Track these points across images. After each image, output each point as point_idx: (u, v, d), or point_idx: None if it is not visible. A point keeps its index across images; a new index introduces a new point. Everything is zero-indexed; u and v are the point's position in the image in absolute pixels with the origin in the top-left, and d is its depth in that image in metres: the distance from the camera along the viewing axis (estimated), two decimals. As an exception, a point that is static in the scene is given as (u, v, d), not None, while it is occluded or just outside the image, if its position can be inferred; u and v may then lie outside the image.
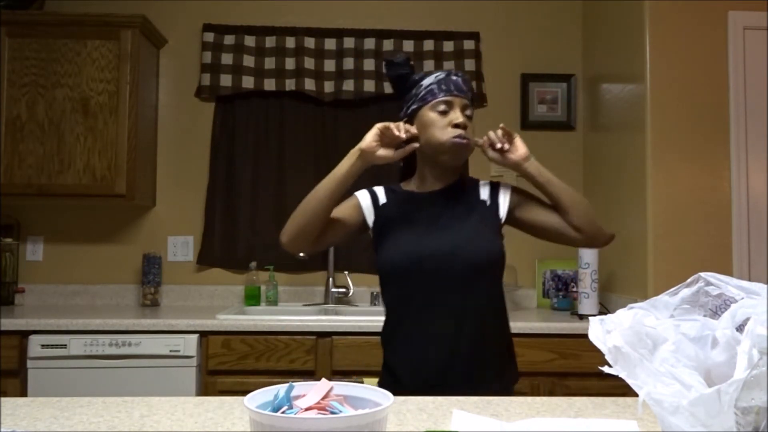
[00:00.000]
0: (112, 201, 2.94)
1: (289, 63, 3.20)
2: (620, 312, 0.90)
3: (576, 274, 2.85)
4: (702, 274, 0.89)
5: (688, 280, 0.90)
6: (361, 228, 1.61)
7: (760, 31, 2.54)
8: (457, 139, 1.49)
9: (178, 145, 3.25)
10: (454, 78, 1.56)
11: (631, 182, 2.67)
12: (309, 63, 3.20)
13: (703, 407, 0.69)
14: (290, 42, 3.22)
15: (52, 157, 2.85)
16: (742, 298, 0.82)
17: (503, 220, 1.58)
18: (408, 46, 3.25)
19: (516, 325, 2.52)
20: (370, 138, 1.50)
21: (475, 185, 1.64)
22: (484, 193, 1.61)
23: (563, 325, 2.53)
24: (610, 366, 0.82)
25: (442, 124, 1.52)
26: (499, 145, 1.51)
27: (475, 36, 3.28)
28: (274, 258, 3.15)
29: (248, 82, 3.17)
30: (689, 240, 2.49)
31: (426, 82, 1.56)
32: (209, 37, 3.20)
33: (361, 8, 3.32)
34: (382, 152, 1.50)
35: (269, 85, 3.18)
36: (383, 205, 1.59)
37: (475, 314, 1.49)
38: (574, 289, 2.99)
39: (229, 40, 3.20)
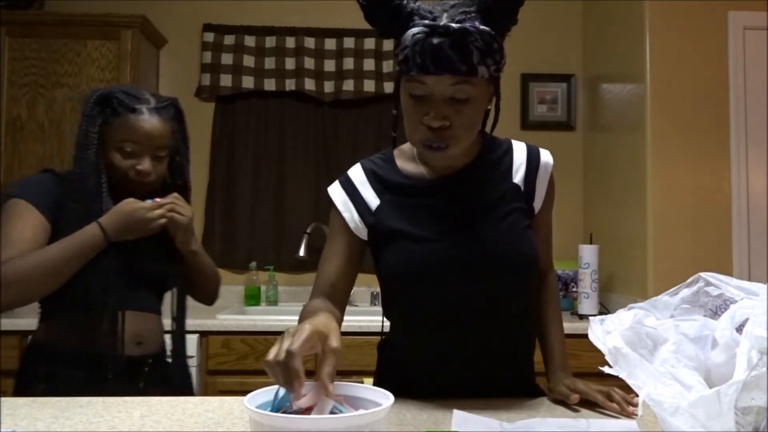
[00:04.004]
0: (112, 201, 2.93)
1: (289, 63, 3.20)
2: (620, 312, 0.90)
3: (576, 274, 2.84)
4: (702, 274, 0.89)
5: (688, 280, 0.90)
6: (364, 249, 1.24)
7: (760, 31, 2.53)
8: (427, 151, 1.09)
9: (178, 145, 3.24)
10: (436, 42, 1.01)
11: (631, 182, 2.67)
12: (309, 63, 3.20)
13: (703, 408, 0.69)
14: (290, 42, 3.22)
15: (52, 157, 2.85)
16: (742, 299, 0.82)
17: (535, 212, 1.23)
18: (408, 46, 3.24)
19: (516, 325, 2.53)
20: None
21: (504, 152, 1.22)
22: (518, 174, 1.21)
23: (563, 325, 2.52)
24: (610, 366, 0.82)
25: (415, 117, 1.08)
26: (616, 408, 1.11)
27: (475, 36, 3.28)
28: (274, 258, 3.14)
29: (248, 82, 3.17)
30: (689, 240, 2.49)
31: (406, 38, 1.05)
32: (209, 37, 3.20)
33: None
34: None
35: (269, 85, 3.18)
36: (378, 208, 1.19)
37: (505, 336, 1.22)
38: (574, 289, 2.98)
39: (229, 40, 3.20)
